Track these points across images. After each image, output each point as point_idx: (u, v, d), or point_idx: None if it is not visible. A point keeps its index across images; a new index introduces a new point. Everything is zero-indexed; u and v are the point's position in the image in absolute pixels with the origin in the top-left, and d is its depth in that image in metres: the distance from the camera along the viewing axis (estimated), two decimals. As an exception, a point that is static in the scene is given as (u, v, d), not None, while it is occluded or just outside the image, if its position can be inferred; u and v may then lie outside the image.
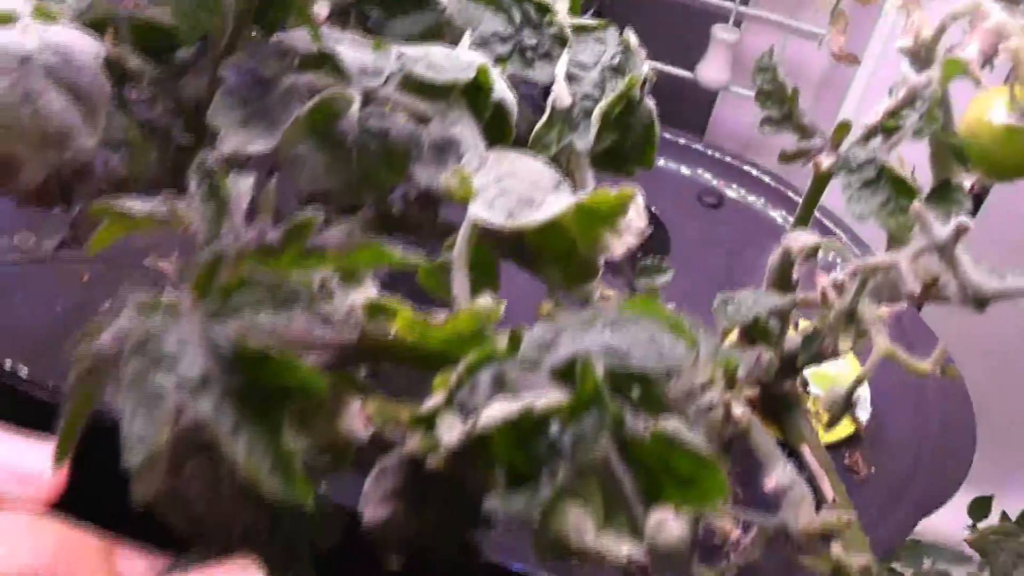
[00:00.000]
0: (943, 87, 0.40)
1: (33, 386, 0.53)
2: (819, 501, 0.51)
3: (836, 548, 0.40)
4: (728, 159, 0.72)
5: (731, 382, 0.45)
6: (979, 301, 0.39)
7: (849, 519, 0.37)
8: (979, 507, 0.78)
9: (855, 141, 0.42)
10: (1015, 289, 0.37)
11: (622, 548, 0.26)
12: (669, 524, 0.27)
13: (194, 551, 0.31)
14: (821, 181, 0.43)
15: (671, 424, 0.28)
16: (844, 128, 0.42)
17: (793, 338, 0.52)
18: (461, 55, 0.41)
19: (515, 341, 0.29)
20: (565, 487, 0.27)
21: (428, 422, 0.28)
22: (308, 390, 0.26)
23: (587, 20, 0.45)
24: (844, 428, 0.60)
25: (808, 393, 0.59)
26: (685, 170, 0.73)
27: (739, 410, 0.43)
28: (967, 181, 0.45)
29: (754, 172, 0.71)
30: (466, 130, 0.40)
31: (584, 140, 0.43)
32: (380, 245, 0.29)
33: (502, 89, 0.41)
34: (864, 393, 0.61)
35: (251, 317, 0.26)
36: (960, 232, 0.35)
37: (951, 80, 0.40)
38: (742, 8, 0.95)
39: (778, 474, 0.40)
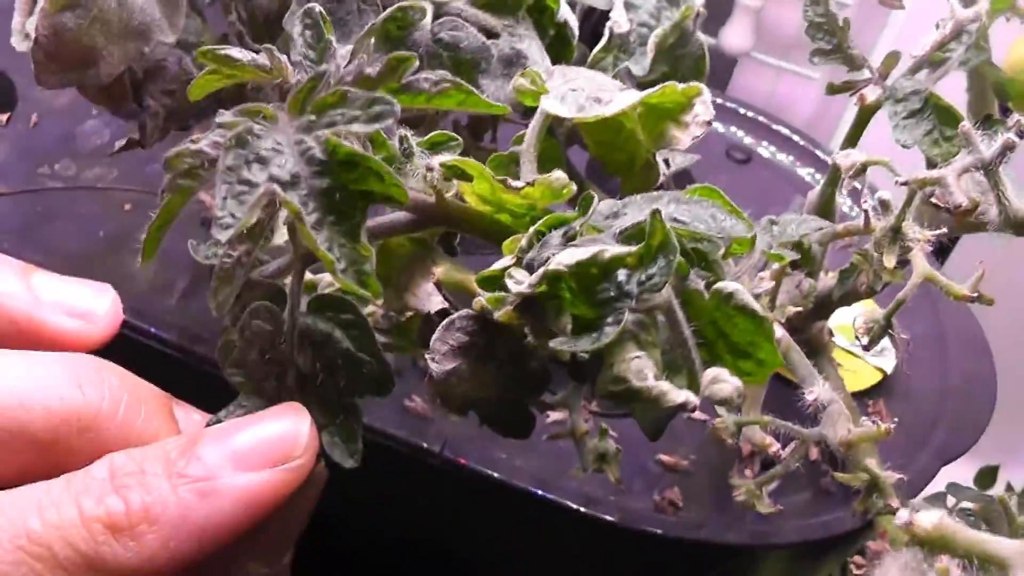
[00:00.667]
0: (990, 20, 0.42)
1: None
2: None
3: (872, 463, 0.42)
4: (759, 117, 0.74)
5: (771, 303, 0.47)
6: (1018, 225, 0.41)
7: (889, 428, 0.39)
8: (985, 477, 0.79)
9: (902, 73, 0.44)
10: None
11: (679, 393, 0.28)
12: (724, 378, 0.29)
13: (247, 398, 0.33)
14: (866, 114, 0.45)
15: (731, 284, 0.29)
16: (893, 59, 0.44)
17: (826, 280, 0.54)
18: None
19: (585, 208, 0.31)
20: (629, 329, 0.28)
21: (498, 281, 0.30)
22: (391, 196, 0.28)
23: (645, -48, 0.46)
24: (869, 377, 0.62)
25: (834, 343, 0.61)
26: (715, 125, 0.75)
27: (779, 331, 0.45)
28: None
29: (784, 130, 0.73)
30: (533, 46, 0.42)
31: (639, 66, 0.45)
32: (469, 87, 0.31)
33: (566, 10, 0.43)
34: (888, 344, 0.63)
35: (344, 126, 0.28)
36: (1007, 148, 0.37)
37: (998, 14, 0.42)
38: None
39: (817, 389, 0.42)
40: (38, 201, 0.62)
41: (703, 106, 0.35)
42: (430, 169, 0.31)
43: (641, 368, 0.27)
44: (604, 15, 0.46)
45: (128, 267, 0.59)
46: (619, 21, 0.44)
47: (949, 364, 0.63)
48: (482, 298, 0.29)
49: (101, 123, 0.67)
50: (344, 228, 0.28)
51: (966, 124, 0.38)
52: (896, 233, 0.39)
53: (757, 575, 0.58)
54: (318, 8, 0.32)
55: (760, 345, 0.30)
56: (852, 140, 0.46)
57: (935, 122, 0.42)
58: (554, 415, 0.50)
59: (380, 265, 0.31)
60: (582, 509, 0.52)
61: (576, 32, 0.43)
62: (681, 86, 0.34)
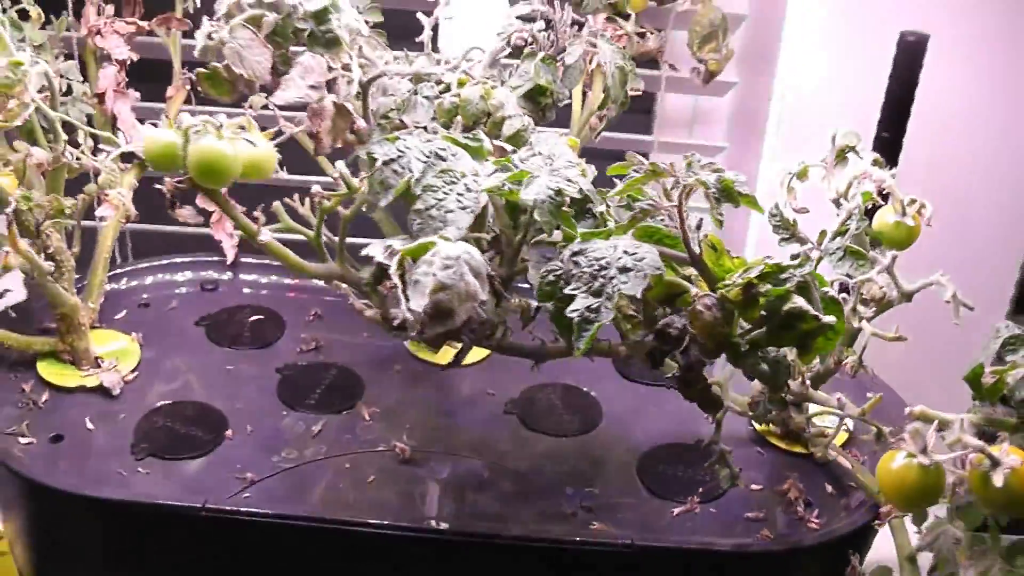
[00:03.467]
0: (863, 205, 0.87)
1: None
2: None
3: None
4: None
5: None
6: (908, 297, 0.85)
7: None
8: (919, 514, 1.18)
9: (828, 239, 0.88)
10: (924, 284, 0.83)
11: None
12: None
13: None
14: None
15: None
16: (823, 234, 0.88)
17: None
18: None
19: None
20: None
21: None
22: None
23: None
24: (841, 438, 1.03)
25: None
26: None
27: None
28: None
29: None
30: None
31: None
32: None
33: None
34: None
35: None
36: (893, 259, 0.81)
37: (867, 202, 0.87)
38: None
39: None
40: (284, 478, 0.95)
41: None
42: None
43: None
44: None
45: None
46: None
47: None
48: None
49: (293, 419, 1.02)
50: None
51: (874, 252, 0.82)
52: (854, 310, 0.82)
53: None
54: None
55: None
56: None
57: (853, 259, 0.86)
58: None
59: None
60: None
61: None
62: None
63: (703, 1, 1.19)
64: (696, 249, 0.75)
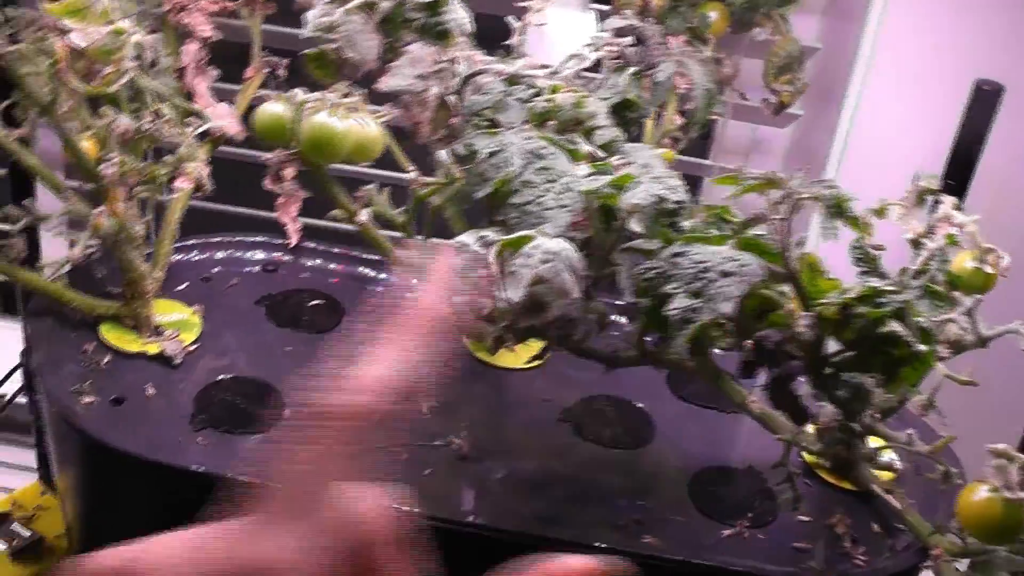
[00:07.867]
0: (947, 247, 0.91)
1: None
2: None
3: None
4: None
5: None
6: (984, 342, 0.88)
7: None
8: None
9: (909, 277, 0.92)
10: (1002, 331, 0.87)
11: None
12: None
13: None
14: (892, 301, 0.93)
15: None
16: (904, 271, 0.92)
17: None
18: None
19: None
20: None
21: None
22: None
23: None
24: (886, 475, 1.07)
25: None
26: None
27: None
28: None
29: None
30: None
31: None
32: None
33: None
34: (894, 454, 1.09)
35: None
36: (977, 302, 0.85)
37: (951, 245, 0.91)
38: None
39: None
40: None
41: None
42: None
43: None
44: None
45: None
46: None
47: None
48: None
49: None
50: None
51: (957, 292, 0.86)
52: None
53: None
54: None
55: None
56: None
57: (932, 299, 0.90)
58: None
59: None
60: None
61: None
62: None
63: (782, 32, 1.23)
64: (795, 266, 0.79)
